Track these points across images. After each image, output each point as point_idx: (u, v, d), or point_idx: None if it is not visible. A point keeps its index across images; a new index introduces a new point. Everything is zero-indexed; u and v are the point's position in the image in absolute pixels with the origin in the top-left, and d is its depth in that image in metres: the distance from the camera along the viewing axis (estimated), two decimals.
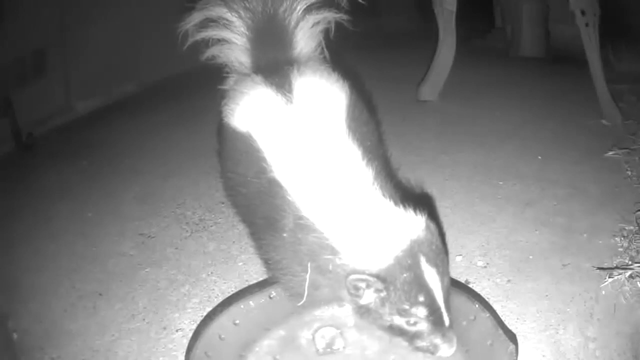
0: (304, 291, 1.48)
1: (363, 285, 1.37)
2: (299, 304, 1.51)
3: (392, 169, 2.10)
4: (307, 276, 1.47)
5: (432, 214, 1.77)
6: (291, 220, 1.50)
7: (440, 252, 1.42)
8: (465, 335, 1.54)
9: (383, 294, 1.37)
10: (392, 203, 1.47)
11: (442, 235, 1.47)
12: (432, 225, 1.44)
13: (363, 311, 1.43)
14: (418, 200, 1.53)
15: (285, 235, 1.52)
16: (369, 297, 1.39)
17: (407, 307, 1.36)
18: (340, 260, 1.41)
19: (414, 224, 1.42)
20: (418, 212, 1.45)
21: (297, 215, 1.49)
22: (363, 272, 1.36)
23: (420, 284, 1.35)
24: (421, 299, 1.35)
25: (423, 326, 1.38)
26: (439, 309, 1.37)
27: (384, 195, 1.49)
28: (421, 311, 1.36)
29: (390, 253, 1.36)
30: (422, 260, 1.35)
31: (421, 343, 1.41)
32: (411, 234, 1.39)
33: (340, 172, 1.53)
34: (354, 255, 1.40)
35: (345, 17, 2.13)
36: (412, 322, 1.38)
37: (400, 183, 1.91)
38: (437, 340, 1.40)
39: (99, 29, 3.84)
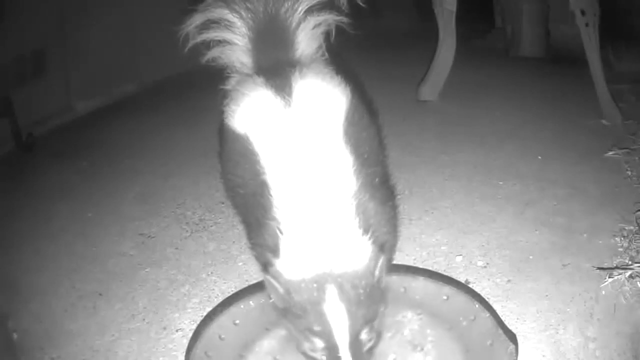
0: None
1: (275, 292, 1.34)
2: (269, 301, 1.49)
3: (388, 177, 2.08)
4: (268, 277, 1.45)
5: (392, 246, 1.69)
6: (268, 222, 1.50)
7: (366, 293, 1.31)
8: (465, 335, 1.54)
9: (286, 305, 1.34)
10: (356, 226, 1.42)
11: (381, 274, 1.37)
12: (377, 264, 1.35)
13: (280, 314, 1.40)
14: (398, 217, 1.49)
15: (266, 236, 1.52)
16: (278, 302, 1.36)
17: (302, 328, 1.32)
18: (274, 262, 1.41)
19: (357, 254, 1.36)
20: (376, 244, 1.39)
21: (271, 215, 1.49)
22: (276, 277, 1.34)
23: (316, 313, 1.29)
24: (316, 328, 1.29)
25: (319, 357, 1.33)
26: (336, 348, 1.28)
27: (355, 214, 1.45)
28: (317, 341, 1.30)
29: (307, 271, 1.33)
30: (331, 291, 1.29)
31: None
32: (344, 262, 1.33)
33: (323, 180, 1.51)
34: (286, 261, 1.39)
35: (345, 20, 2.13)
36: (310, 346, 1.33)
37: (389, 195, 1.86)
38: None
39: (99, 29, 3.84)
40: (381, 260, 1.36)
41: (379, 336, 1.38)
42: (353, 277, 1.32)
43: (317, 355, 1.33)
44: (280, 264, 1.39)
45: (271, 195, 1.51)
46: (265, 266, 1.44)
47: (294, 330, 1.36)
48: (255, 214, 1.62)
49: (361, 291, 1.31)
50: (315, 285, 1.31)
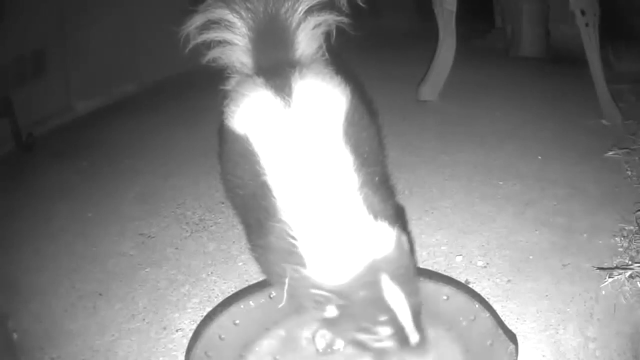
0: (284, 295, 1.46)
1: (323, 300, 1.34)
2: (279, 306, 1.49)
3: (388, 176, 2.08)
4: (286, 280, 1.44)
5: (407, 229, 1.73)
6: (273, 223, 1.49)
7: (407, 270, 1.38)
8: (465, 335, 1.54)
9: (345, 310, 1.34)
10: (370, 215, 1.43)
11: (412, 252, 1.43)
12: (404, 242, 1.40)
13: (328, 324, 1.41)
14: (399, 213, 1.51)
15: (269, 237, 1.50)
16: (332, 311, 1.36)
17: (368, 325, 1.33)
18: (304, 272, 1.38)
19: (385, 240, 1.38)
20: (394, 227, 1.41)
21: (277, 217, 1.48)
22: (322, 288, 1.34)
23: (379, 303, 1.31)
24: (382, 318, 1.32)
25: (388, 344, 1.35)
26: (402, 328, 1.33)
27: (365, 205, 1.46)
28: (384, 330, 1.33)
29: (351, 270, 1.33)
30: (384, 279, 1.31)
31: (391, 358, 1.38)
32: (378, 250, 1.35)
33: (326, 179, 1.50)
34: (317, 268, 1.37)
35: (346, 20, 2.13)
36: (376, 339, 1.35)
37: (388, 192, 1.89)
38: (405, 359, 1.37)
39: (99, 29, 3.84)
40: (405, 237, 1.41)
41: (421, 305, 1.43)
42: (393, 260, 1.36)
43: (386, 342, 1.35)
44: (315, 274, 1.37)
45: (274, 197, 1.50)
46: (300, 283, 1.40)
47: (355, 331, 1.37)
48: (255, 215, 1.61)
49: (403, 270, 1.36)
50: (367, 279, 1.32)
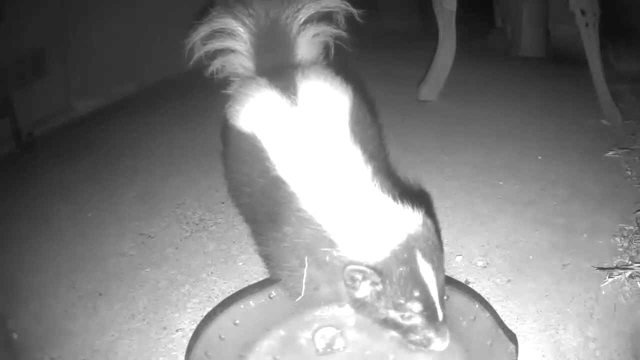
0: (302, 287, 1.49)
1: (359, 276, 1.38)
2: (297, 300, 1.51)
3: (392, 169, 2.11)
4: (305, 270, 1.47)
5: (429, 211, 1.79)
6: (291, 213, 1.51)
7: (436, 248, 1.43)
8: (465, 335, 1.54)
9: (379, 287, 1.38)
10: (390, 199, 1.48)
11: (438, 231, 1.49)
12: (429, 222, 1.45)
13: (359, 304, 1.44)
14: (416, 197, 1.54)
15: (285, 228, 1.53)
16: (365, 289, 1.40)
17: (402, 301, 1.37)
18: (338, 253, 1.42)
19: (411, 219, 1.43)
20: (416, 208, 1.46)
21: (296, 207, 1.50)
22: (360, 264, 1.37)
23: (415, 279, 1.36)
24: (416, 293, 1.36)
25: (417, 320, 1.39)
26: (433, 304, 1.37)
27: (382, 191, 1.50)
28: (416, 306, 1.37)
29: (387, 246, 1.37)
30: (419, 255, 1.36)
31: (415, 337, 1.42)
32: (408, 228, 1.40)
33: (341, 169, 1.54)
34: (351, 248, 1.41)
35: (344, 34, 2.19)
36: (406, 316, 1.39)
37: (398, 180, 1.94)
38: (431, 335, 1.41)
39: (99, 29, 3.84)
40: (429, 219, 1.45)
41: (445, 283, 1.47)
42: (424, 237, 1.40)
43: (415, 320, 1.39)
44: (348, 252, 1.41)
45: (290, 190, 1.53)
46: (339, 263, 1.43)
47: (386, 309, 1.40)
48: (265, 209, 1.64)
49: (434, 247, 1.41)
50: (405, 255, 1.36)
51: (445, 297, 1.61)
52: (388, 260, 1.37)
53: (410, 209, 1.45)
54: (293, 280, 1.53)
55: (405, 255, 1.36)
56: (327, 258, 1.44)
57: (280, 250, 1.57)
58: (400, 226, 1.40)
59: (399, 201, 1.47)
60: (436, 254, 1.41)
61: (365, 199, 1.48)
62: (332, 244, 1.43)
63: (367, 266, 1.37)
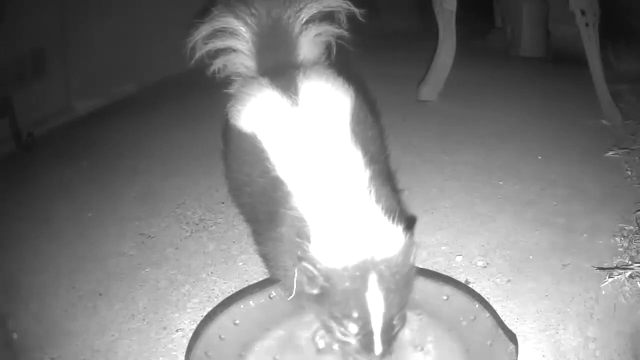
0: (293, 285, 1.46)
1: (311, 276, 1.35)
2: (289, 298, 1.49)
3: (392, 174, 2.11)
4: (296, 270, 1.44)
5: (413, 233, 1.74)
6: (286, 213, 1.51)
7: (402, 279, 1.35)
8: (465, 335, 1.53)
9: (326, 294, 1.34)
10: (381, 211, 1.43)
11: (414, 263, 1.40)
12: (411, 252, 1.38)
13: (306, 298, 1.41)
14: (409, 218, 1.51)
15: (282, 228, 1.52)
16: (311, 288, 1.37)
17: (338, 315, 1.33)
18: (307, 249, 1.39)
19: (392, 240, 1.37)
20: (405, 230, 1.40)
21: (290, 206, 1.50)
22: (313, 263, 1.34)
23: (357, 300, 1.30)
24: (354, 314, 1.31)
25: (352, 341, 1.35)
26: (370, 333, 1.31)
27: (376, 200, 1.46)
28: (352, 326, 1.32)
29: (348, 258, 1.33)
30: (372, 279, 1.30)
31: (347, 355, 1.39)
32: (382, 250, 1.34)
33: (338, 171, 1.53)
34: (319, 247, 1.37)
35: (345, 34, 2.18)
36: (342, 331, 1.35)
37: (396, 188, 1.92)
38: None
39: (99, 29, 3.84)
40: (414, 248, 1.39)
41: (404, 321, 1.42)
42: (392, 265, 1.33)
43: (349, 339, 1.35)
44: (315, 251, 1.37)
45: (288, 189, 1.52)
46: (298, 253, 1.41)
47: (327, 315, 1.37)
48: (266, 209, 1.63)
49: (398, 278, 1.34)
50: (358, 273, 1.31)
51: (445, 298, 1.61)
52: (339, 272, 1.32)
53: (397, 228, 1.40)
54: (287, 277, 1.52)
55: (358, 274, 1.30)
56: (299, 252, 1.41)
57: (277, 250, 1.57)
58: (376, 244, 1.35)
59: (389, 216, 1.42)
60: (398, 284, 1.33)
61: (355, 206, 1.44)
62: (308, 240, 1.40)
63: (319, 270, 1.33)
